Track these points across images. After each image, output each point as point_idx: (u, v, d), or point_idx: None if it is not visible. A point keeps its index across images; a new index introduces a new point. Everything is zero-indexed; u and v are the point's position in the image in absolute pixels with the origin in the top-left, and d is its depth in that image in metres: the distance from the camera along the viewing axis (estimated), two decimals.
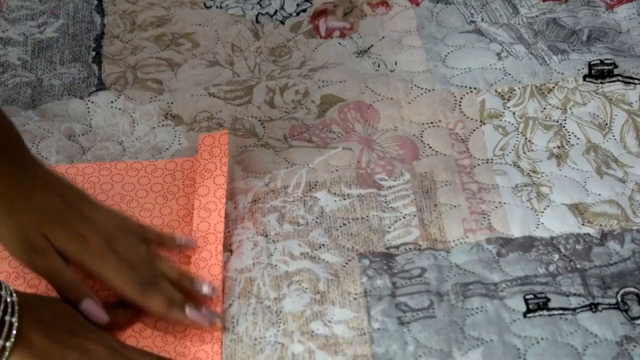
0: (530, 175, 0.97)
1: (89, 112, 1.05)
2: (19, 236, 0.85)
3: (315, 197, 0.96)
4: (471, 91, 1.05)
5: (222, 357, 0.83)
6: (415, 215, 0.93)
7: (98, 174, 0.98)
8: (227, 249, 0.93)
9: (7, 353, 0.76)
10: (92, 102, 1.06)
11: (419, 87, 1.06)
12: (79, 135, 1.03)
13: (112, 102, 1.06)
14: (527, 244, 0.91)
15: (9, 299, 0.77)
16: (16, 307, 0.77)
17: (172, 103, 1.05)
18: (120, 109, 1.05)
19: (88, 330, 0.81)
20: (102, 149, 1.01)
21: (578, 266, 0.89)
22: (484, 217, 0.93)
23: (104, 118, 1.04)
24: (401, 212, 0.94)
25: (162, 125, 1.03)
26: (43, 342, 0.77)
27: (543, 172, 0.98)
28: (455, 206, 0.94)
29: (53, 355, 0.77)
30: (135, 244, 0.87)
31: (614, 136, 1.01)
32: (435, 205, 0.94)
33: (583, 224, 0.93)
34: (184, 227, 0.93)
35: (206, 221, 0.92)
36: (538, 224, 0.93)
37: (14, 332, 0.76)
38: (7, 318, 0.76)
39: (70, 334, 0.79)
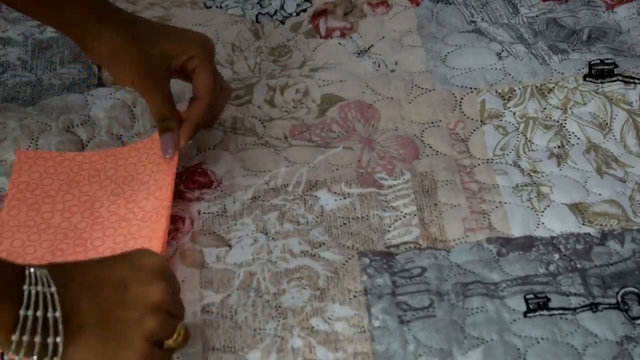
0: (530, 175, 0.97)
1: (87, 103, 1.05)
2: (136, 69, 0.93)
3: (316, 196, 0.96)
4: (471, 91, 1.05)
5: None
6: (415, 215, 0.93)
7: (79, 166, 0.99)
8: (226, 243, 0.93)
9: (60, 349, 0.73)
10: (91, 95, 1.06)
11: (419, 87, 1.06)
12: (77, 126, 1.03)
13: (111, 94, 1.06)
14: (527, 243, 0.91)
15: (47, 290, 0.73)
16: (57, 300, 0.73)
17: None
18: (119, 99, 1.05)
19: (143, 267, 0.77)
20: (101, 145, 1.01)
21: (578, 266, 0.89)
22: (484, 217, 0.93)
23: (104, 109, 1.04)
24: (401, 212, 0.94)
25: None
26: (93, 314, 0.74)
27: (543, 172, 0.98)
28: (455, 206, 0.94)
29: (110, 323, 0.75)
30: None
31: (614, 136, 1.01)
32: (436, 204, 0.94)
33: (583, 224, 0.93)
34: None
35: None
36: (538, 224, 0.93)
37: (61, 328, 0.73)
38: (49, 314, 0.73)
39: (123, 286, 0.76)
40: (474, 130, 1.02)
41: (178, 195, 0.97)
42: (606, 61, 1.06)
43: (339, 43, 1.12)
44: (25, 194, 0.96)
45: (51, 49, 1.12)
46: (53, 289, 0.73)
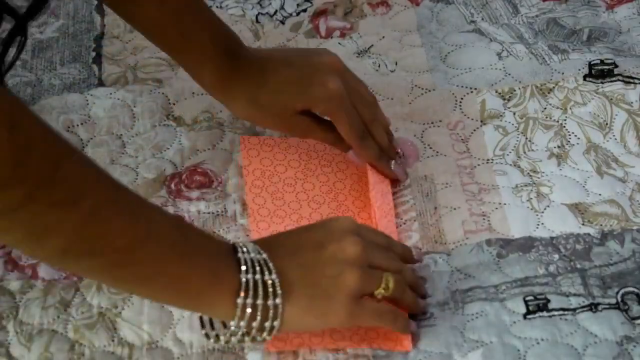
0: (530, 175, 0.97)
1: (87, 103, 1.05)
2: (277, 123, 0.95)
3: None
4: (472, 91, 1.05)
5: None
6: (415, 220, 0.93)
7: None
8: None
9: (279, 310, 0.77)
10: (91, 95, 1.06)
11: (419, 87, 1.06)
12: (77, 126, 1.03)
13: (111, 93, 1.06)
14: (527, 244, 0.91)
15: (259, 257, 0.77)
16: (270, 265, 0.77)
17: (174, 104, 1.05)
18: (119, 99, 1.05)
19: (334, 227, 0.82)
20: (102, 144, 1.01)
21: (578, 266, 0.89)
22: (484, 219, 0.93)
23: (104, 109, 1.04)
24: (402, 218, 0.94)
25: (163, 124, 1.03)
26: (300, 275, 0.78)
27: (543, 172, 0.98)
28: (455, 209, 0.94)
29: (315, 281, 0.78)
30: (359, 82, 0.97)
31: (614, 136, 1.01)
32: (435, 208, 0.94)
33: (583, 224, 0.93)
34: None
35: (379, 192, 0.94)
36: (538, 224, 0.93)
37: (279, 290, 0.77)
38: (266, 277, 0.76)
39: (321, 246, 0.80)
40: (474, 130, 1.01)
41: (177, 195, 0.97)
42: (606, 61, 1.06)
43: (339, 43, 1.12)
44: (263, 181, 0.97)
45: (51, 49, 1.12)
46: (264, 255, 0.77)
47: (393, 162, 0.95)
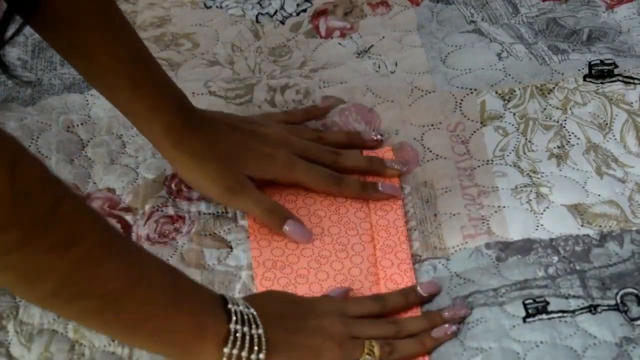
0: (530, 176, 0.97)
1: (87, 103, 1.05)
2: (218, 183, 0.93)
3: None
4: (471, 92, 1.05)
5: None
6: (415, 229, 0.93)
7: None
8: (227, 244, 0.93)
9: None
10: (91, 95, 1.06)
11: (419, 89, 1.05)
12: (77, 126, 1.03)
13: None
14: (526, 247, 0.91)
15: (248, 312, 0.79)
16: (258, 320, 0.79)
17: None
18: None
19: (316, 306, 0.84)
20: (102, 144, 1.01)
21: (577, 268, 0.89)
22: (483, 222, 0.93)
23: (104, 109, 1.04)
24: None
25: None
26: (284, 337, 0.80)
27: (543, 172, 0.98)
28: (454, 214, 0.94)
29: (297, 347, 0.80)
30: (304, 132, 0.98)
31: (614, 136, 1.01)
32: (435, 215, 0.94)
33: (582, 225, 0.93)
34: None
35: (385, 218, 0.94)
36: (537, 226, 0.93)
37: (264, 345, 0.78)
38: (253, 331, 0.78)
39: (303, 318, 0.82)
40: (474, 131, 1.01)
41: (178, 195, 0.97)
42: (606, 61, 1.05)
43: (339, 43, 1.12)
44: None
45: (51, 49, 1.11)
46: (252, 310, 0.79)
47: (380, 183, 0.95)
